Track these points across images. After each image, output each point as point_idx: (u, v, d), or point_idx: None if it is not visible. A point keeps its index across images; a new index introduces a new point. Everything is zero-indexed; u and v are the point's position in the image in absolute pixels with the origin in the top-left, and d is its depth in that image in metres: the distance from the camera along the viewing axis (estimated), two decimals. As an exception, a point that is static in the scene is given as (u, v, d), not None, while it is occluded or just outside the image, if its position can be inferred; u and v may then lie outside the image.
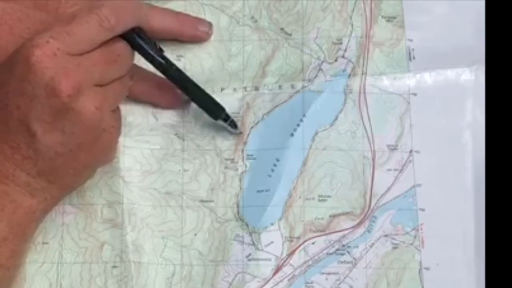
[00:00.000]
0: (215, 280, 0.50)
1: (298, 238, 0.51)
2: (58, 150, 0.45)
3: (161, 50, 0.49)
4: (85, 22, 0.44)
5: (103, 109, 0.45)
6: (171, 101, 0.52)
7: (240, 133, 0.52)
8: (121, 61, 0.47)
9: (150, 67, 0.50)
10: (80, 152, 0.46)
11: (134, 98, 0.52)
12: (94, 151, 0.46)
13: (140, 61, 0.49)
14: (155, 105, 0.53)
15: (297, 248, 0.51)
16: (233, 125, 0.52)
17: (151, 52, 0.48)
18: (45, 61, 0.43)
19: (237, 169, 0.52)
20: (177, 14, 0.53)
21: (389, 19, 0.54)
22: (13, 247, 0.46)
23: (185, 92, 0.51)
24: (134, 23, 0.47)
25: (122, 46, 0.47)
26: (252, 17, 0.54)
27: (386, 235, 0.51)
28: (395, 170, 0.52)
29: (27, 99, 0.43)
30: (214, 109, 0.51)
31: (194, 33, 0.53)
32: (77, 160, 0.46)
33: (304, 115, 0.52)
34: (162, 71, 0.49)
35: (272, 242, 0.51)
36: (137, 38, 0.48)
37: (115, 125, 0.47)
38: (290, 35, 0.54)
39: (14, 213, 0.46)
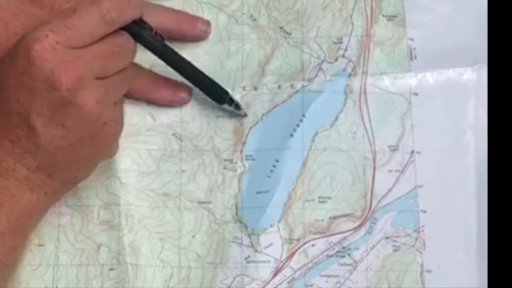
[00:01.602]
0: (213, 283, 0.50)
1: (298, 240, 0.51)
2: (58, 144, 0.45)
3: (162, 38, 0.49)
4: (85, 15, 0.44)
5: (103, 102, 0.45)
6: (169, 98, 0.52)
7: (245, 114, 0.52)
8: (123, 54, 0.47)
9: (146, 64, 0.49)
10: (80, 146, 0.46)
11: (131, 97, 0.52)
12: (95, 145, 0.46)
13: (138, 58, 0.49)
14: (153, 103, 0.52)
15: (296, 250, 0.51)
16: (238, 107, 0.51)
17: (154, 42, 0.48)
18: (45, 55, 0.43)
19: (235, 170, 0.52)
20: (175, 12, 0.53)
21: (390, 18, 0.54)
22: (11, 243, 0.46)
23: (190, 79, 0.50)
24: (135, 15, 0.47)
25: (124, 39, 0.47)
26: (251, 16, 0.54)
27: (387, 237, 0.51)
28: (396, 171, 0.52)
29: (27, 92, 0.43)
30: (219, 94, 0.51)
31: (192, 31, 0.53)
32: (78, 154, 0.46)
33: (303, 115, 0.52)
34: (165, 60, 0.49)
35: (271, 244, 0.51)
36: (139, 29, 0.47)
37: (117, 119, 0.47)
38: (290, 34, 0.54)
39: (14, 208, 0.46)
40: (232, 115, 0.52)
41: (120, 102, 0.49)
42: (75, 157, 0.46)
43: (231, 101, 0.51)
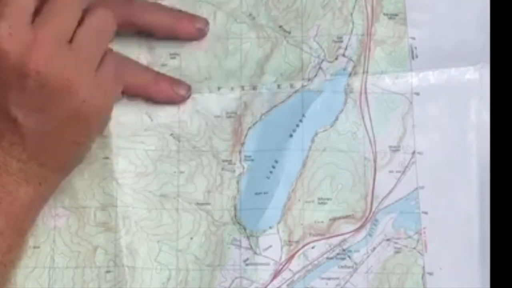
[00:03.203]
0: (211, 286, 0.50)
1: (297, 242, 0.51)
2: (42, 130, 0.45)
3: None
4: None
5: (76, 79, 0.45)
6: (168, 94, 0.52)
7: None
8: (73, 1, 0.45)
9: (143, 62, 0.50)
10: (65, 127, 0.46)
11: (130, 94, 0.52)
12: (79, 124, 0.46)
13: (136, 56, 0.50)
14: (151, 100, 0.52)
15: (296, 252, 0.51)
16: None
17: None
18: (3, 45, 0.43)
19: (234, 171, 0.52)
20: (173, 10, 0.52)
21: (391, 16, 0.54)
22: (10, 242, 0.46)
23: None
24: None
25: None
26: (250, 14, 0.54)
27: (388, 239, 0.51)
28: (397, 172, 0.52)
29: (1, 87, 0.44)
30: None
31: (190, 30, 0.53)
32: (64, 136, 0.46)
33: (303, 115, 0.52)
34: None
35: (270, 246, 0.51)
36: None
37: (96, 95, 0.46)
38: (289, 32, 0.53)
39: (12, 205, 0.46)
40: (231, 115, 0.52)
41: (101, 76, 0.47)
42: (62, 140, 0.46)
43: None
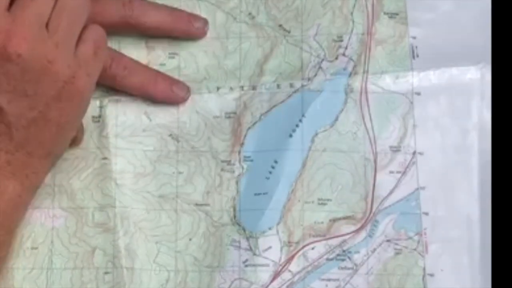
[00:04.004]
0: (211, 287, 0.50)
1: (297, 243, 0.51)
2: (28, 116, 0.45)
3: None
4: None
5: (56, 59, 0.45)
6: (166, 93, 0.52)
7: None
8: None
9: (143, 61, 0.50)
10: (50, 110, 0.45)
11: (129, 92, 0.52)
12: (62, 107, 0.46)
13: (134, 55, 0.50)
14: (149, 99, 0.52)
15: (296, 254, 0.50)
16: None
17: None
18: None
19: (233, 172, 0.52)
20: (172, 10, 0.52)
21: (392, 15, 0.53)
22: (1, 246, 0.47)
23: None
24: None
25: None
26: (250, 14, 0.54)
27: (388, 240, 0.51)
28: (397, 172, 0.52)
29: None
30: None
31: (189, 29, 0.52)
32: (49, 120, 0.46)
33: (303, 115, 0.52)
34: None
35: (270, 247, 0.50)
36: None
37: (77, 73, 0.46)
38: (289, 32, 0.53)
39: None
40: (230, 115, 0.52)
41: (80, 54, 0.47)
42: (47, 125, 0.46)
43: None
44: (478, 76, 0.52)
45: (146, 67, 0.52)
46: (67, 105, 0.46)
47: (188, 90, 0.52)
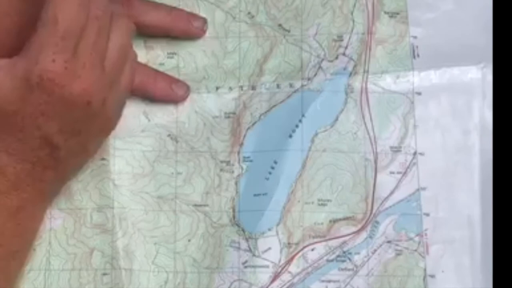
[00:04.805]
0: (210, 288, 0.50)
1: (297, 244, 0.51)
2: (75, 151, 0.46)
3: None
4: (67, 11, 0.43)
5: (109, 98, 0.46)
6: (166, 92, 0.52)
7: None
8: (103, 19, 0.45)
9: (142, 60, 0.50)
10: (91, 144, 0.48)
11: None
12: (101, 139, 0.49)
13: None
14: (149, 98, 0.52)
15: (295, 255, 0.50)
16: None
17: None
18: (61, 80, 0.43)
19: (233, 172, 0.51)
20: (171, 9, 0.52)
21: (392, 15, 0.53)
22: (23, 261, 0.48)
23: None
24: None
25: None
26: (249, 13, 0.53)
27: (389, 241, 0.51)
28: (398, 173, 0.51)
29: (48, 118, 0.44)
30: None
31: (188, 29, 0.52)
32: (88, 152, 0.48)
33: (303, 115, 0.52)
34: None
35: (269, 248, 0.50)
36: None
37: (118, 108, 0.48)
38: (289, 31, 0.53)
39: (29, 227, 0.48)
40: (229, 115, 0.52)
41: (123, 89, 0.49)
42: (84, 156, 0.48)
43: None
44: (479, 76, 0.52)
45: (145, 66, 0.52)
46: (103, 138, 0.49)
47: (187, 88, 0.52)
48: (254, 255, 0.50)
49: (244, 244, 0.50)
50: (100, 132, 0.48)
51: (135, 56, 0.50)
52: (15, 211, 0.45)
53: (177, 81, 0.52)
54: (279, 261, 0.50)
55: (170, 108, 0.52)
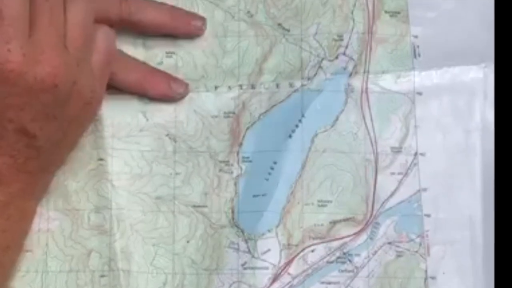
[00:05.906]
0: (208, 290, 0.50)
1: (297, 245, 0.50)
2: (54, 138, 0.45)
3: None
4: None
5: (80, 80, 0.45)
6: (164, 90, 0.51)
7: None
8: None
9: (140, 57, 0.50)
10: (70, 130, 0.47)
11: (126, 90, 0.51)
12: (81, 124, 0.48)
13: (131, 52, 0.50)
14: (147, 97, 0.52)
15: (295, 256, 0.50)
16: None
17: None
18: (20, 69, 0.42)
19: (232, 172, 0.51)
20: (170, 8, 0.52)
21: (393, 14, 0.53)
22: (15, 258, 0.48)
23: None
24: None
25: None
26: (248, 12, 0.53)
27: (389, 243, 0.51)
28: (399, 173, 0.51)
29: (18, 110, 0.43)
30: None
31: (187, 28, 0.52)
32: (68, 139, 0.47)
33: (303, 115, 0.52)
34: None
35: (269, 249, 0.50)
36: None
37: (95, 89, 0.47)
38: (288, 30, 0.53)
39: (21, 224, 0.47)
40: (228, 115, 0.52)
41: (95, 68, 0.47)
42: (66, 144, 0.47)
43: None
44: (481, 76, 0.52)
45: (142, 63, 0.51)
46: (84, 122, 0.48)
47: (186, 86, 0.52)
48: (253, 256, 0.50)
49: (243, 246, 0.50)
50: (79, 117, 0.46)
51: (112, 36, 0.49)
52: (3, 206, 0.45)
53: (175, 78, 0.52)
54: (279, 262, 0.50)
55: (169, 107, 0.52)
